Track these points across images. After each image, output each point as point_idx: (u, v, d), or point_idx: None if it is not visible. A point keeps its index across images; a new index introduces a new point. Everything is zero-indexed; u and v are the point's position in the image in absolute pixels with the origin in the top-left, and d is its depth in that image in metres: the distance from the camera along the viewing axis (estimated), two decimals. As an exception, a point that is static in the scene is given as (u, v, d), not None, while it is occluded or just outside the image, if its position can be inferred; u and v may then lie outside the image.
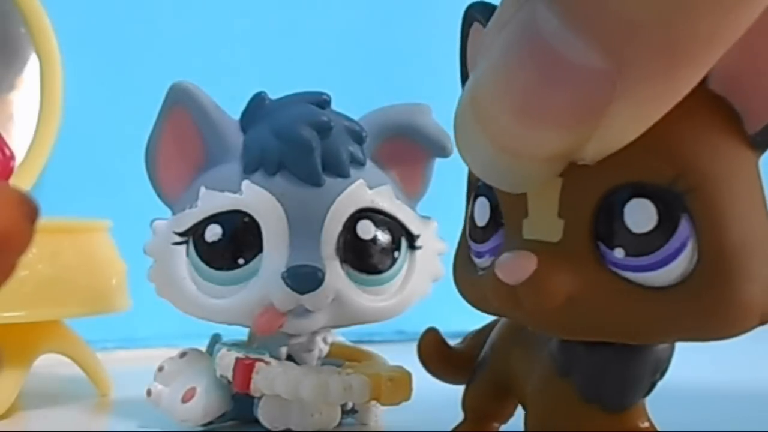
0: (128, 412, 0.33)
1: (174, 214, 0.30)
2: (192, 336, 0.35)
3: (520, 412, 0.24)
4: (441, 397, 0.27)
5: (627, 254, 0.18)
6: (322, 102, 0.29)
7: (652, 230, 0.17)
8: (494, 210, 0.20)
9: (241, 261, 0.28)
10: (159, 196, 0.31)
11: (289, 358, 0.30)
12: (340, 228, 0.29)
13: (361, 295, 0.29)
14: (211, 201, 0.29)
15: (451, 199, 0.29)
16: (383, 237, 0.29)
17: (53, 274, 0.34)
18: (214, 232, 0.29)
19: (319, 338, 0.30)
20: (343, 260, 0.29)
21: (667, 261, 0.17)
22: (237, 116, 0.30)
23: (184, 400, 0.29)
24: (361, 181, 0.29)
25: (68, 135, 0.52)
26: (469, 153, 0.18)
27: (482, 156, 0.17)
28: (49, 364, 0.37)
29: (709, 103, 0.17)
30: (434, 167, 0.32)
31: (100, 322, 0.37)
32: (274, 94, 0.30)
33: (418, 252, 0.30)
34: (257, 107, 0.30)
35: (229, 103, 0.30)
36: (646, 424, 0.20)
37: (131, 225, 0.33)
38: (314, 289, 0.28)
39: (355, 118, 0.30)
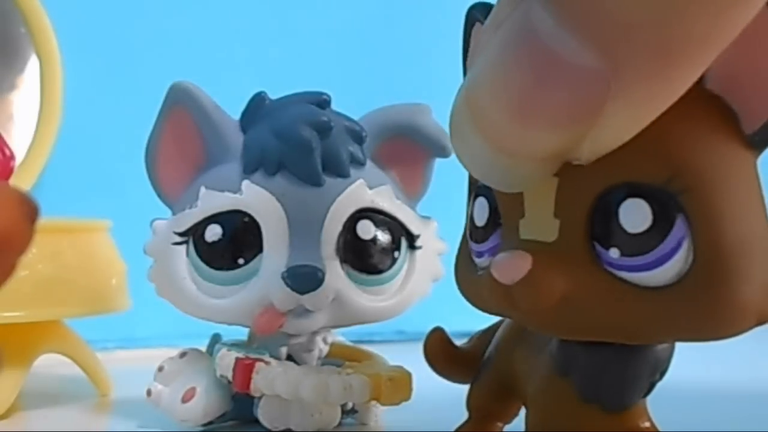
0: (128, 412, 0.33)
1: (174, 214, 0.30)
2: (192, 336, 0.35)
3: (524, 411, 0.24)
4: (441, 397, 0.27)
5: (622, 254, 0.18)
6: (322, 102, 0.29)
7: (647, 230, 0.17)
8: (493, 210, 0.20)
9: (241, 261, 0.28)
10: (159, 196, 0.31)
11: (289, 358, 0.30)
12: (340, 228, 0.29)
13: (361, 295, 0.29)
14: (211, 201, 0.29)
15: (451, 199, 0.29)
16: (383, 237, 0.29)
17: (53, 274, 0.34)
18: (214, 232, 0.29)
19: (319, 338, 0.30)
20: (343, 260, 0.29)
21: (663, 261, 0.17)
22: (237, 116, 0.30)
23: (184, 400, 0.29)
24: (361, 181, 0.29)
25: (68, 135, 0.52)
26: (465, 152, 0.18)
27: (477, 155, 0.17)
28: (49, 364, 0.37)
29: (706, 103, 0.17)
30: (434, 167, 0.32)
31: (100, 322, 0.37)
32: (274, 94, 0.30)
33: (418, 252, 0.30)
34: (257, 107, 0.30)
35: (229, 103, 0.30)
36: (647, 424, 0.20)
37: (131, 225, 0.33)
38: (314, 289, 0.28)
39: (355, 118, 0.30)
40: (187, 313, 0.30)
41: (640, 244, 0.17)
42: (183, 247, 0.29)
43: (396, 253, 0.30)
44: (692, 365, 0.28)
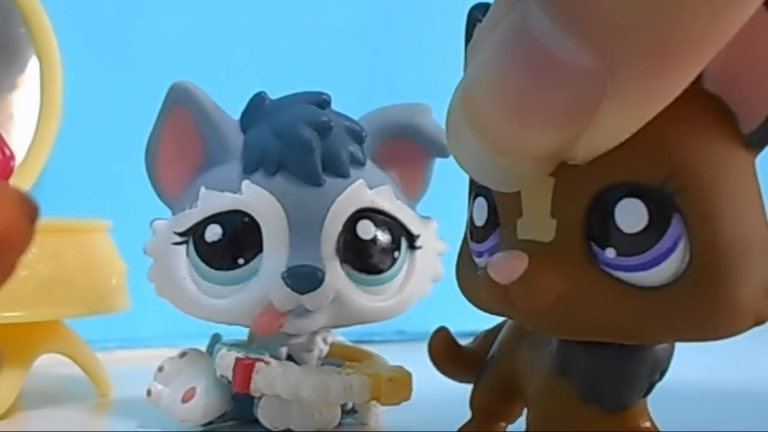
0: (128, 412, 0.33)
1: (174, 214, 0.30)
2: (192, 336, 0.35)
3: (526, 411, 0.24)
4: (441, 397, 0.27)
5: (618, 254, 0.18)
6: (322, 102, 0.29)
7: (643, 230, 0.17)
8: (492, 210, 0.20)
9: (241, 261, 0.28)
10: (159, 196, 0.31)
11: (289, 358, 0.30)
12: (340, 228, 0.29)
13: (361, 295, 0.29)
14: (211, 201, 0.29)
15: (451, 199, 0.29)
16: (383, 237, 0.29)
17: (53, 274, 0.34)
18: (214, 232, 0.29)
19: (319, 338, 0.30)
20: (343, 260, 0.29)
21: (659, 261, 0.17)
22: (237, 116, 0.30)
23: (184, 400, 0.29)
24: (361, 181, 0.29)
25: (68, 135, 0.52)
26: (461, 152, 0.18)
27: (474, 155, 0.17)
28: (49, 364, 0.37)
29: (703, 103, 0.17)
30: (434, 167, 0.32)
31: (100, 322, 0.37)
32: (274, 94, 0.30)
33: (418, 252, 0.30)
34: (257, 107, 0.30)
35: (229, 103, 0.30)
36: (647, 424, 0.20)
37: (131, 225, 0.33)
38: (314, 289, 0.28)
39: (355, 118, 0.30)
40: (187, 313, 0.30)
41: (636, 244, 0.18)
42: (183, 247, 0.29)
43: (396, 253, 0.30)
44: (692, 365, 0.28)
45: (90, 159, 0.54)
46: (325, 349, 0.31)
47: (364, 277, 0.29)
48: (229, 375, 0.28)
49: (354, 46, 0.60)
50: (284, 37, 0.58)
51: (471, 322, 0.27)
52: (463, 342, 0.27)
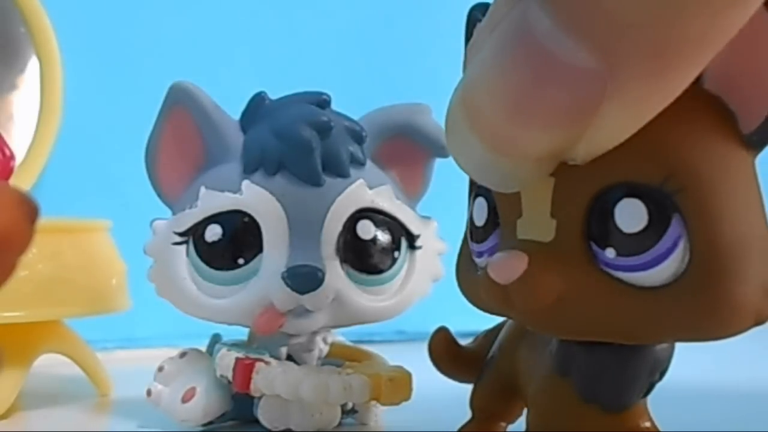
0: (128, 412, 0.33)
1: (174, 214, 0.30)
2: (192, 336, 0.35)
3: (526, 411, 0.24)
4: (441, 397, 0.27)
5: (618, 254, 0.18)
6: (322, 102, 0.29)
7: (642, 230, 0.17)
8: (492, 210, 0.20)
9: (241, 261, 0.28)
10: (159, 196, 0.31)
11: (289, 358, 0.30)
12: (340, 228, 0.29)
13: (361, 295, 0.29)
14: (211, 201, 0.29)
15: (451, 199, 0.29)
16: (383, 237, 0.29)
17: (53, 274, 0.34)
18: (214, 232, 0.29)
19: (319, 338, 0.30)
20: (343, 260, 0.29)
21: (658, 261, 0.17)
22: (237, 116, 0.30)
23: (184, 400, 0.29)
24: (361, 181, 0.29)
25: (68, 135, 0.52)
26: (460, 152, 0.18)
27: (473, 155, 0.17)
28: (49, 364, 0.37)
29: (703, 103, 0.17)
30: (434, 167, 0.32)
31: (100, 322, 0.37)
32: (274, 94, 0.30)
33: (418, 252, 0.30)
34: (257, 107, 0.30)
35: (229, 103, 0.30)
36: (648, 424, 0.20)
37: (131, 225, 0.33)
38: (314, 289, 0.28)
39: (355, 118, 0.30)
40: (187, 313, 0.30)
41: (636, 244, 0.18)
42: (183, 247, 0.29)
43: (396, 253, 0.30)
44: (692, 365, 0.28)
45: (90, 159, 0.54)
46: (325, 349, 0.31)
47: (364, 277, 0.29)
48: (229, 375, 0.28)
49: (354, 46, 0.60)
50: (284, 37, 0.58)
51: (471, 322, 0.27)
52: (464, 342, 0.27)
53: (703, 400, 0.35)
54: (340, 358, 0.32)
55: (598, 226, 0.18)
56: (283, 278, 0.28)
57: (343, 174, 0.29)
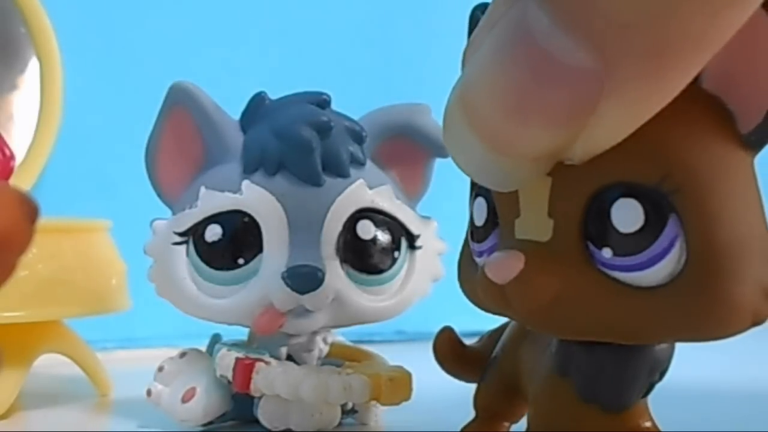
0: (128, 412, 0.33)
1: (174, 214, 0.30)
2: (192, 336, 0.35)
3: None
4: (441, 397, 0.27)
5: (615, 254, 0.18)
6: (322, 102, 0.29)
7: (639, 230, 0.17)
8: (491, 210, 0.20)
9: (241, 261, 0.28)
10: (159, 196, 0.31)
11: (289, 358, 0.30)
12: (340, 228, 0.29)
13: (361, 295, 0.29)
14: (211, 201, 0.29)
15: (451, 199, 0.29)
16: (383, 237, 0.29)
17: (53, 274, 0.34)
18: (214, 232, 0.29)
19: (319, 338, 0.30)
20: (343, 260, 0.29)
21: (655, 261, 0.17)
22: (237, 116, 0.30)
23: (184, 400, 0.29)
24: (361, 181, 0.29)
25: (68, 135, 0.52)
26: (458, 151, 0.18)
27: (471, 154, 0.17)
28: (49, 364, 0.37)
29: (701, 103, 0.17)
30: (434, 167, 0.32)
31: (100, 322, 0.37)
32: (274, 94, 0.30)
33: (418, 252, 0.30)
34: (257, 107, 0.30)
35: (229, 103, 0.30)
36: (648, 424, 0.20)
37: (131, 225, 0.33)
38: (314, 289, 0.28)
39: (355, 118, 0.30)
40: (187, 313, 0.30)
41: (632, 244, 0.18)
42: (183, 247, 0.29)
43: (396, 253, 0.30)
44: (692, 365, 0.28)
45: (90, 159, 0.54)
46: (325, 349, 0.31)
47: (364, 277, 0.29)
48: (229, 375, 0.28)
49: (354, 46, 0.60)
50: (284, 37, 0.58)
51: (471, 322, 0.27)
52: (467, 342, 0.27)
53: (703, 400, 0.35)
54: (340, 358, 0.32)
55: (595, 225, 0.18)
56: (283, 278, 0.28)
57: (343, 174, 0.29)
